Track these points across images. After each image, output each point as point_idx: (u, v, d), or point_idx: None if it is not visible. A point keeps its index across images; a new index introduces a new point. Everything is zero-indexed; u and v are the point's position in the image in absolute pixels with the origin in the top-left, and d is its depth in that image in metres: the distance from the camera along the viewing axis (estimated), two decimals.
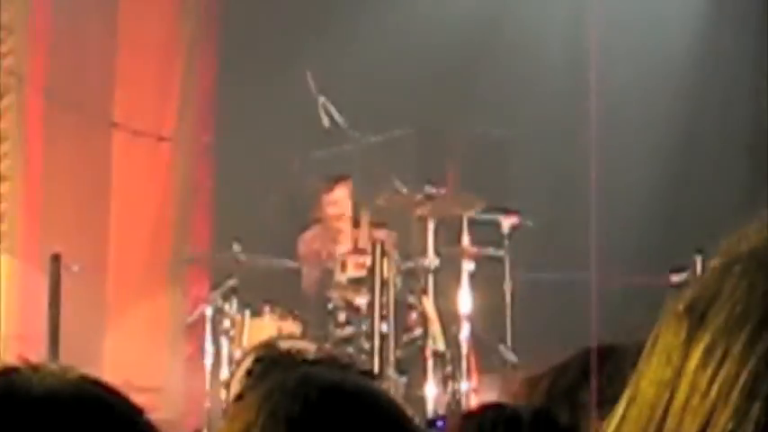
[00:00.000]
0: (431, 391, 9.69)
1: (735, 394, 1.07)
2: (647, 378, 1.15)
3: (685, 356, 1.11)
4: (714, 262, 1.17)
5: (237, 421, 2.24)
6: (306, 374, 2.31)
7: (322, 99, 10.59)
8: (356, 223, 10.85)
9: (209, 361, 10.16)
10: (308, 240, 11.03)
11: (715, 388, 1.08)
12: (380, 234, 10.24)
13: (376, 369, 8.98)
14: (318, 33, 12.35)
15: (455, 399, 9.90)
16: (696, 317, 1.11)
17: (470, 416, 2.97)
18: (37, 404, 1.95)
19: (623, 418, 1.17)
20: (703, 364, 1.10)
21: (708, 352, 1.10)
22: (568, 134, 11.68)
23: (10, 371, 2.09)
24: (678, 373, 1.11)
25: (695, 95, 12.62)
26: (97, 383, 2.05)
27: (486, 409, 2.86)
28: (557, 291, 10.95)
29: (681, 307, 1.15)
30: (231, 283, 10.27)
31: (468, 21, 12.76)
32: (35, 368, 2.21)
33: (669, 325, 1.16)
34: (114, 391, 2.04)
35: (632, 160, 12.08)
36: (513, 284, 10.27)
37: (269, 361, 2.95)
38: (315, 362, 3.41)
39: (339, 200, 10.83)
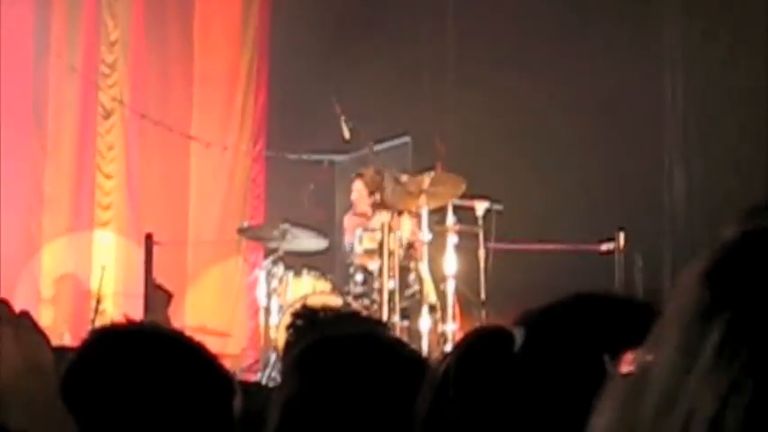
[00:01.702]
0: (425, 330, 10.31)
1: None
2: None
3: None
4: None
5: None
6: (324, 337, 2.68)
7: (343, 117, 11.00)
8: (375, 205, 11.39)
9: (262, 310, 10.91)
10: (347, 219, 11.75)
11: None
12: (387, 216, 10.97)
13: (385, 316, 10.11)
14: (342, 61, 12.77)
15: (443, 336, 10.48)
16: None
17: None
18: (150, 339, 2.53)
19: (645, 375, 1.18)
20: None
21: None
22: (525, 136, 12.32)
23: (118, 324, 2.71)
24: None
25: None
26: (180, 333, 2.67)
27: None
28: (517, 257, 11.14)
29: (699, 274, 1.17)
30: (279, 252, 10.98)
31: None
32: (134, 323, 2.83)
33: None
34: (193, 339, 2.61)
35: (564, 151, 12.21)
36: (485, 253, 10.64)
37: (307, 317, 3.92)
38: (342, 316, 4.42)
39: (358, 190, 11.48)
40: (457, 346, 2.78)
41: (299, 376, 2.55)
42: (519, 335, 2.13)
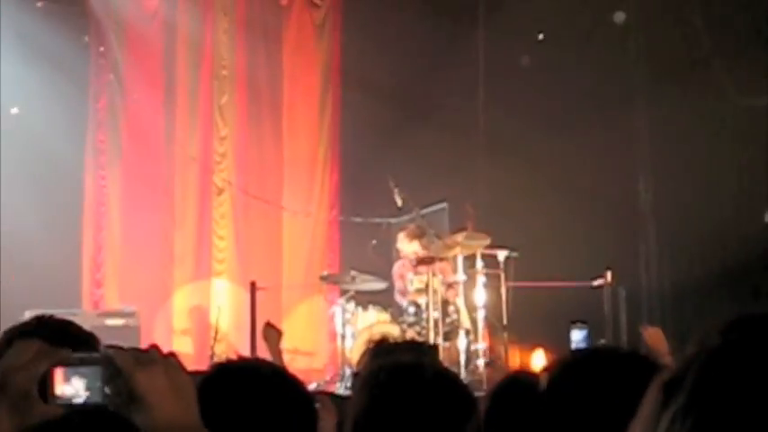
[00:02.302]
0: (462, 348, 11.35)
1: None
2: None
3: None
4: (688, 349, 1.42)
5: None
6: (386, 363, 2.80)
7: (396, 189, 12.03)
8: (419, 258, 11.95)
9: (339, 336, 11.73)
10: (396, 268, 12.31)
11: None
12: (431, 264, 11.68)
13: (432, 338, 10.97)
14: (396, 145, 13.41)
15: (475, 352, 11.48)
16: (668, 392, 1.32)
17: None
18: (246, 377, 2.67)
19: None
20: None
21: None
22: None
23: (232, 360, 2.91)
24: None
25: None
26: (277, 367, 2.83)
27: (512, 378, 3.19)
28: (530, 292, 12.08)
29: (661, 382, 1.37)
30: (350, 292, 11.85)
31: None
32: (245, 359, 3.11)
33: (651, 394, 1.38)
34: (286, 371, 2.75)
35: (567, 210, 12.97)
36: (506, 289, 11.73)
37: (374, 346, 4.60)
38: (399, 344, 4.90)
39: (401, 239, 12.20)
40: (495, 386, 3.13)
41: (366, 395, 2.65)
42: (544, 379, 2.41)
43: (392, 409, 2.61)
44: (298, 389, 2.69)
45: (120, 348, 2.18)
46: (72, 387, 2.24)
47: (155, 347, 2.09)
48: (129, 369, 2.10)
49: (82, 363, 2.25)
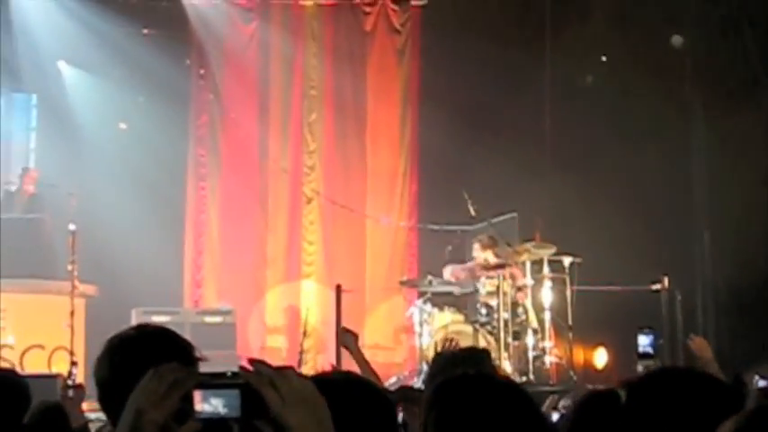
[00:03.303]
0: (530, 346, 11.39)
1: None
2: None
3: None
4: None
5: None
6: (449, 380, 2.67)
7: (469, 201, 11.87)
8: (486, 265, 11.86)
9: (417, 334, 11.67)
10: (455, 270, 12.19)
11: None
12: (502, 269, 11.66)
13: (502, 337, 11.06)
14: (469, 159, 13.39)
15: (543, 350, 11.54)
16: None
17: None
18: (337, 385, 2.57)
19: None
20: None
21: None
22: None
23: (326, 372, 3.00)
24: None
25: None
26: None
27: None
28: (592, 295, 11.95)
29: None
30: (428, 294, 11.78)
31: None
32: (337, 371, 3.35)
33: None
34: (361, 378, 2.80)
35: (626, 219, 12.66)
36: (570, 292, 11.66)
37: (434, 360, 4.74)
38: (465, 350, 5.10)
39: (476, 248, 12.06)
40: (577, 402, 3.07)
41: (436, 407, 2.60)
42: (623, 394, 2.41)
43: (459, 421, 2.54)
44: (386, 400, 2.70)
45: (257, 368, 2.11)
46: (211, 405, 2.20)
47: (291, 369, 2.05)
48: (277, 406, 2.06)
49: (221, 386, 2.21)
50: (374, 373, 5.47)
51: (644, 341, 6.21)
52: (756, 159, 12.42)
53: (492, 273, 11.68)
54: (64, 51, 14.51)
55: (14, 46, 14.20)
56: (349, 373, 3.09)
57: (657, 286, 11.56)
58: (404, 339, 13.31)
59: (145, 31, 14.29)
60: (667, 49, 13.24)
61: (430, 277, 11.97)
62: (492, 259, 11.85)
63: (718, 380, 2.64)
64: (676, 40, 13.27)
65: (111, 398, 2.91)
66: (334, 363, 9.11)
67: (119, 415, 2.37)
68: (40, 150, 15.03)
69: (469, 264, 12.10)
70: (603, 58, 13.92)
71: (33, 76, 14.59)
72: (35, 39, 14.34)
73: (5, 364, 11.17)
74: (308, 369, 11.42)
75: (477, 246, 12.04)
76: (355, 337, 6.43)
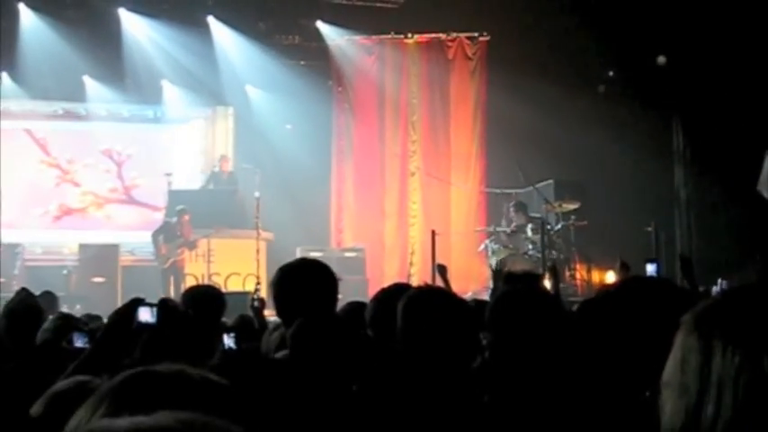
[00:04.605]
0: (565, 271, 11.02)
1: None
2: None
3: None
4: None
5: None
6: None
7: (520, 171, 11.89)
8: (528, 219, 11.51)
9: (487, 264, 11.43)
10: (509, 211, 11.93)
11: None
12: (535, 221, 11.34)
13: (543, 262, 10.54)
14: (522, 137, 12.55)
15: (572, 272, 11.51)
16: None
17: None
18: None
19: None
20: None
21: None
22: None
23: (426, 286, 3.01)
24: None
25: None
26: None
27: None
28: (605, 234, 11.56)
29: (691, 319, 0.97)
30: (492, 236, 11.77)
31: None
32: (431, 287, 3.09)
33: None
34: None
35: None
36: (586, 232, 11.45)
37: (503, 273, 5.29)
38: (517, 274, 4.94)
39: (512, 212, 11.92)
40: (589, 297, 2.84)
41: (493, 318, 2.49)
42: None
43: (515, 334, 2.46)
44: (463, 305, 2.63)
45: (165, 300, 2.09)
46: (145, 317, 2.43)
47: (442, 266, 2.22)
48: None
49: (147, 304, 2.43)
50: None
51: (650, 269, 5.66)
52: None
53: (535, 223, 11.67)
54: (249, 77, 14.84)
55: (217, 71, 14.47)
56: (440, 288, 3.06)
57: (650, 228, 11.37)
58: (477, 266, 12.93)
59: (302, 62, 14.71)
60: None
61: (494, 226, 12.35)
62: (522, 218, 11.77)
63: (681, 287, 2.52)
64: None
65: (283, 306, 2.95)
66: (429, 281, 8.58)
67: (289, 318, 2.61)
68: (236, 144, 15.49)
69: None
70: (611, 73, 13.54)
71: (230, 94, 15.05)
72: (231, 66, 14.50)
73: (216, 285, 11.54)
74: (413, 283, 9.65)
75: (512, 209, 12.12)
76: (445, 268, 6.52)
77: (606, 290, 2.17)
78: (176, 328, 2.69)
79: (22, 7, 13.58)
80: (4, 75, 14.22)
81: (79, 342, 3.22)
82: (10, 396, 2.02)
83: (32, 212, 14.83)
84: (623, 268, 6.26)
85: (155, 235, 12.54)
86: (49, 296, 6.59)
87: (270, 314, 5.10)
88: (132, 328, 2.44)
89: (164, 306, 2.47)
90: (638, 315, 1.83)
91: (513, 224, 12.06)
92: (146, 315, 2.41)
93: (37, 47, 13.45)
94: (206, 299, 4.37)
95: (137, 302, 2.51)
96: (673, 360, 0.99)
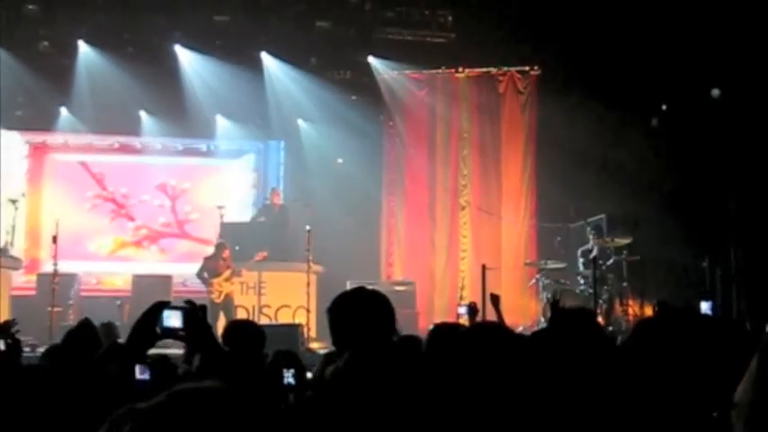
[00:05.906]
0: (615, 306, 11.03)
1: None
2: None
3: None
4: None
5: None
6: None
7: (571, 206, 12.00)
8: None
9: (538, 298, 11.83)
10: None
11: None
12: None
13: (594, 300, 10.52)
14: (577, 180, 12.41)
15: (624, 308, 11.20)
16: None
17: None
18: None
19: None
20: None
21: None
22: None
23: (484, 323, 3.11)
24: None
25: None
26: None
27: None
28: (656, 269, 11.49)
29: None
30: (544, 270, 11.69)
31: None
32: (487, 323, 3.19)
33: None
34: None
35: None
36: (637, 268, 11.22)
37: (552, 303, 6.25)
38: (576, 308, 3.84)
39: (591, 237, 11.47)
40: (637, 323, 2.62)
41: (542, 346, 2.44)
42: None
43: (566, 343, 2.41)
44: (516, 338, 2.55)
45: (190, 301, 2.09)
46: (171, 322, 2.31)
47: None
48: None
49: (174, 308, 2.32)
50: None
51: (705, 306, 5.52)
52: None
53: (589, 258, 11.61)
54: (301, 111, 14.91)
55: (269, 106, 14.57)
56: (493, 323, 2.98)
57: (704, 263, 11.32)
58: (527, 301, 12.98)
59: (353, 97, 14.79)
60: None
61: (545, 260, 12.19)
62: (596, 248, 11.63)
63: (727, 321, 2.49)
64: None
65: (338, 334, 2.85)
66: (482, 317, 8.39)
67: (344, 344, 2.51)
68: (287, 177, 15.53)
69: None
70: (663, 107, 13.31)
71: (282, 128, 15.12)
72: (283, 100, 14.52)
73: (266, 319, 11.85)
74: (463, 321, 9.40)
75: (592, 234, 11.91)
76: (498, 298, 6.50)
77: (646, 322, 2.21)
78: (216, 366, 2.59)
79: (81, 44, 13.83)
80: (63, 109, 14.54)
81: (145, 374, 3.16)
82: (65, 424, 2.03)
83: (88, 245, 14.99)
84: (661, 307, 6.25)
85: (199, 273, 12.17)
86: (109, 327, 6.65)
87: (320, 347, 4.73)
88: (157, 333, 2.39)
89: (191, 309, 2.40)
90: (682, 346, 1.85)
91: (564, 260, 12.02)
92: (174, 320, 2.36)
93: (95, 82, 13.69)
94: (245, 334, 4.37)
95: (161, 305, 2.46)
96: (748, 380, 0.99)
